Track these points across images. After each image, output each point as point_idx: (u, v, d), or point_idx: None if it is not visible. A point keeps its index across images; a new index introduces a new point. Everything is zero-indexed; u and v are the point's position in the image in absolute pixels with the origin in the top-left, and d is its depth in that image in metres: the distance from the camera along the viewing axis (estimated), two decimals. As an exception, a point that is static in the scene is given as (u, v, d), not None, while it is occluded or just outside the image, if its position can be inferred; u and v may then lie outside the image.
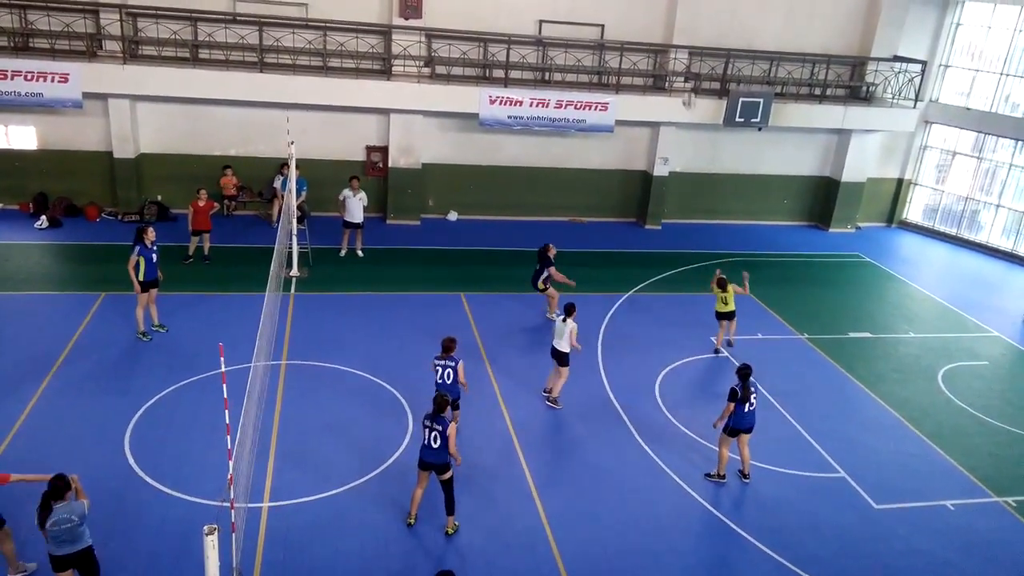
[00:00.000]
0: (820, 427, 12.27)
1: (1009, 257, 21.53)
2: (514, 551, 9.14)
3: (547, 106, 18.84)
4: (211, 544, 6.22)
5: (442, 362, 10.85)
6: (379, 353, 13.14)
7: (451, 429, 8.99)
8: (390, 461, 10.56)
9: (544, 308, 15.38)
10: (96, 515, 8.64)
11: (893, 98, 21.35)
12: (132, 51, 17.67)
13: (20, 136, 18.05)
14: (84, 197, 18.44)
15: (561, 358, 12.12)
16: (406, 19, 18.50)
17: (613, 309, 15.91)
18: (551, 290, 15.01)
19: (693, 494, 10.48)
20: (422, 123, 19.44)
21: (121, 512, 9.16)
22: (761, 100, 19.53)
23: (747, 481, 10.81)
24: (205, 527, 6.14)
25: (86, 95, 17.04)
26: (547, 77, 19.91)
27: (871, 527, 10.17)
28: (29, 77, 16.67)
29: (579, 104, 18.95)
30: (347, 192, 17.08)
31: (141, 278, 12.71)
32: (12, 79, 16.58)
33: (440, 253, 18.33)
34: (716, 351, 14.50)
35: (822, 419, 12.51)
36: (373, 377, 12.54)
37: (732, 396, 10.43)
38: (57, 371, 11.90)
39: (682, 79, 20.23)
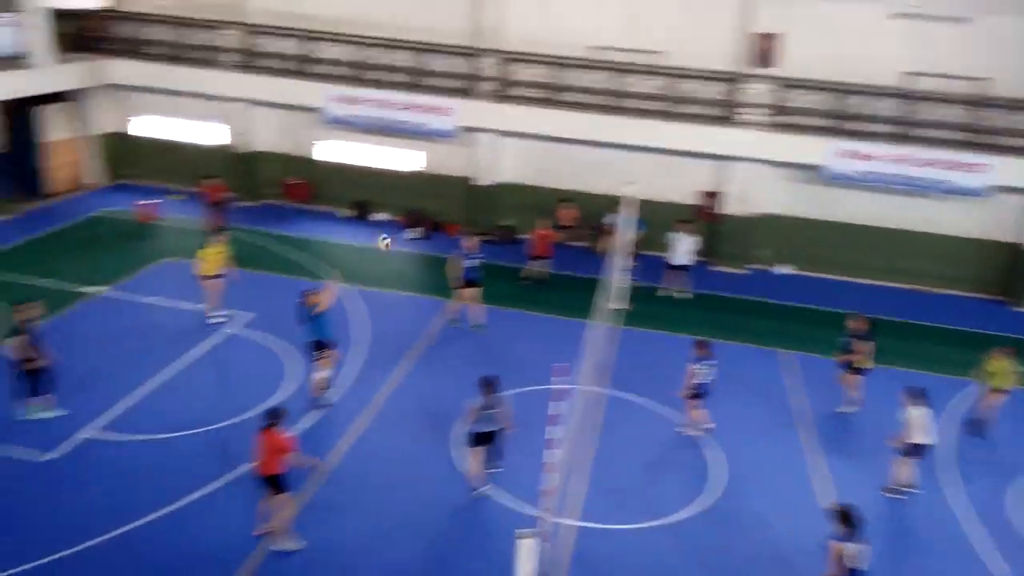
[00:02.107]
0: None
1: None
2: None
3: (907, 163, 17.39)
4: (525, 548, 6.62)
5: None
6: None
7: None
8: (698, 509, 10.52)
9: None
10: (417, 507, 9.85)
11: None
12: (502, 91, 19.83)
13: (411, 159, 21.14)
14: (447, 216, 21.02)
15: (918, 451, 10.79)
16: (759, 67, 18.37)
17: (960, 397, 14.06)
18: (848, 375, 13.03)
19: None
20: (762, 172, 19.10)
21: (442, 497, 10.33)
22: None
23: None
24: (520, 531, 6.55)
25: (461, 128, 19.49)
26: (908, 132, 18.37)
27: None
28: (419, 110, 19.57)
29: (945, 163, 17.20)
30: (676, 234, 17.38)
31: (458, 275, 14.56)
32: (407, 111, 19.60)
33: (763, 306, 17.79)
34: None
35: None
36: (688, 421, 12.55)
37: None
38: (411, 361, 13.73)
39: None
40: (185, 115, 21.86)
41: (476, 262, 14.78)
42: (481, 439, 10.15)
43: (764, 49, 18.38)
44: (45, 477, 10.05)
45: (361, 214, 21.47)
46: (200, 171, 20.39)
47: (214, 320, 14.52)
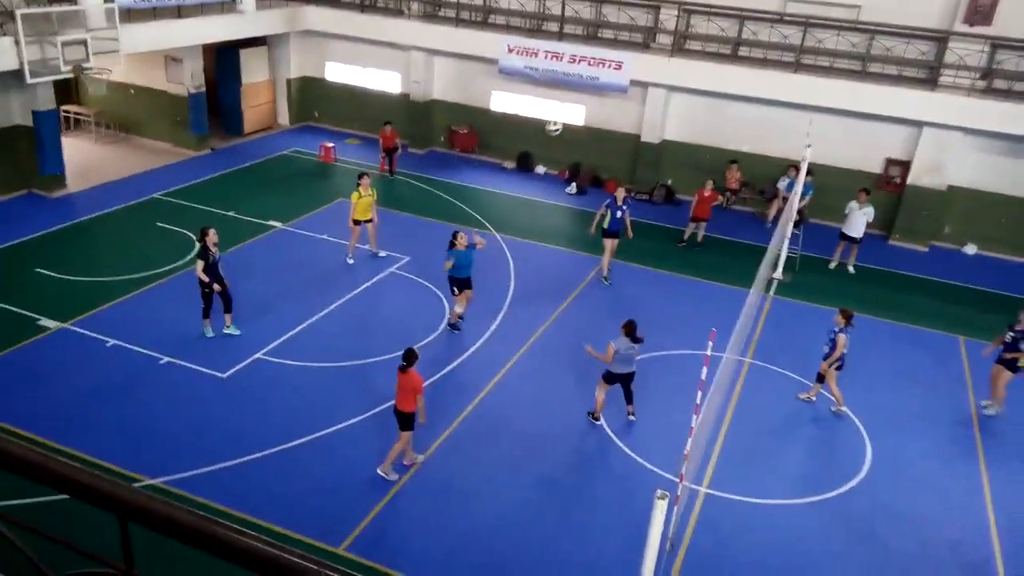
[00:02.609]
0: None
1: None
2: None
3: None
4: (660, 508, 6.59)
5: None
6: (848, 378, 12.26)
7: None
8: (835, 493, 10.00)
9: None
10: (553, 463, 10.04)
11: None
12: (679, 45, 19.13)
13: (572, 113, 21.06)
14: (608, 172, 20.78)
15: None
16: (971, 25, 16.50)
17: None
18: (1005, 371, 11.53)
19: None
20: (961, 141, 17.30)
21: (580, 449, 10.46)
22: None
23: None
24: (658, 491, 6.55)
25: (633, 82, 19.06)
26: None
27: None
28: (591, 63, 19.29)
29: None
30: (852, 204, 16.21)
31: (605, 226, 14.76)
32: (579, 63, 19.40)
33: (945, 288, 16.30)
34: None
35: None
36: (832, 398, 11.88)
37: None
38: (559, 315, 13.88)
39: None
40: (369, 63, 22.92)
41: (620, 213, 14.75)
42: (613, 379, 10.60)
43: (980, 5, 16.45)
44: (218, 393, 11.16)
45: (524, 166, 21.68)
46: (379, 117, 21.38)
47: (381, 255, 15.48)
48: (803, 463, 10.63)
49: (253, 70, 22.59)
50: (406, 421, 9.38)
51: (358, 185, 15.01)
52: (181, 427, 10.34)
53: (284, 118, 23.94)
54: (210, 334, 12.30)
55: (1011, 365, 11.55)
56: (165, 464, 9.57)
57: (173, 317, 12.83)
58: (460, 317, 13.11)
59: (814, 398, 11.79)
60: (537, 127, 21.31)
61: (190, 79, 20.56)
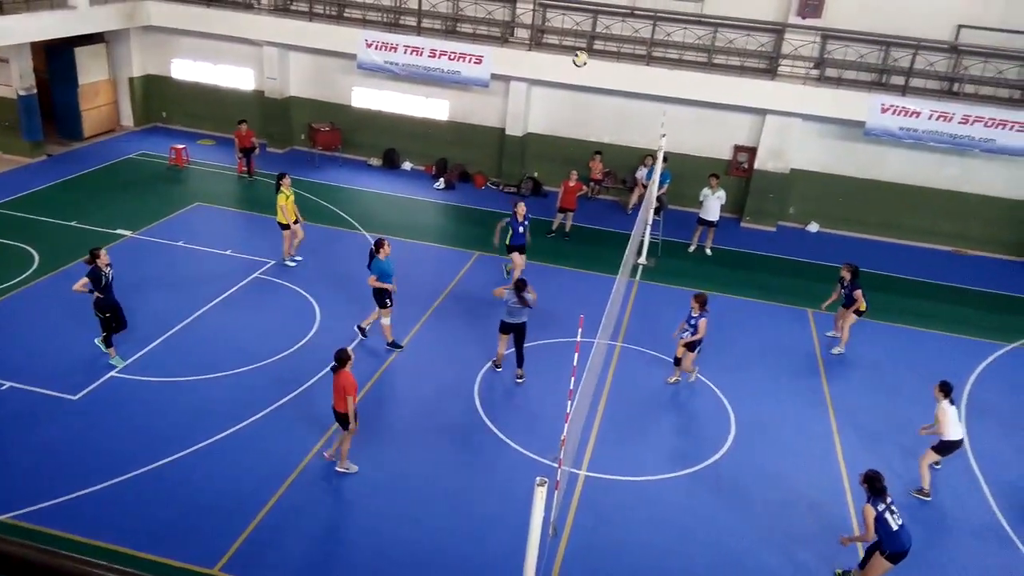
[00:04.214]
0: None
1: None
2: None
3: (950, 120, 16.79)
4: (540, 495, 6.72)
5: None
6: (710, 355, 12.97)
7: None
8: (705, 464, 10.52)
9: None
10: (441, 447, 10.01)
11: None
12: (537, 39, 19.44)
13: (436, 108, 20.97)
14: (475, 166, 20.87)
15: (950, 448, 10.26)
16: (803, 18, 17.72)
17: (987, 362, 13.79)
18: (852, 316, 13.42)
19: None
20: (799, 127, 18.57)
21: (462, 443, 10.47)
22: None
23: None
24: (538, 478, 6.67)
25: (494, 76, 19.19)
26: (956, 88, 17.70)
27: None
28: (452, 57, 19.25)
29: (991, 121, 16.55)
30: (706, 190, 17.06)
31: (507, 241, 14.41)
32: (439, 58, 19.31)
33: (793, 264, 17.48)
34: None
35: None
36: (701, 377, 12.49)
37: None
38: (434, 312, 13.81)
39: None
40: (221, 59, 21.85)
41: (522, 228, 14.46)
42: (507, 328, 11.65)
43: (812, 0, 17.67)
44: (70, 417, 10.37)
45: (390, 163, 21.40)
46: (233, 116, 20.46)
47: (292, 264, 14.89)
48: (675, 438, 11.11)
49: (90, 69, 21.02)
50: (343, 420, 9.46)
51: (280, 186, 14.42)
52: (30, 456, 9.52)
53: (128, 119, 22.46)
54: (120, 364, 11.39)
55: (858, 312, 13.29)
56: (12, 498, 8.77)
57: (13, 339, 11.77)
58: (366, 327, 12.70)
59: (679, 379, 12.34)
60: (403, 122, 21.12)
61: (19, 80, 18.88)
